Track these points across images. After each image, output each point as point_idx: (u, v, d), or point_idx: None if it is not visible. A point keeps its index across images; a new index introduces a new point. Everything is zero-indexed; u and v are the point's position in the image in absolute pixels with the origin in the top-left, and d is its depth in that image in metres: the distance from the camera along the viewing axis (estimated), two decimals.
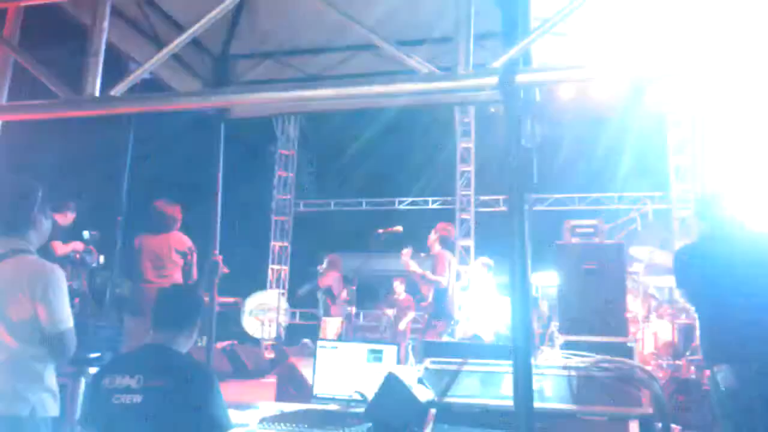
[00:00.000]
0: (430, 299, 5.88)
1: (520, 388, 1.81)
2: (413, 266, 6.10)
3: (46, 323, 2.45)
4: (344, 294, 9.13)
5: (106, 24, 2.30)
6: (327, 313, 8.32)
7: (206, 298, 4.19)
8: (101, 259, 5.82)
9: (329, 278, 8.41)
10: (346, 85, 2.46)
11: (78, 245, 5.70)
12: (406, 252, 6.22)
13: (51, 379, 2.55)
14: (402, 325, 9.59)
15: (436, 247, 5.98)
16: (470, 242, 14.50)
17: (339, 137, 18.76)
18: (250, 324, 14.51)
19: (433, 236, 6.11)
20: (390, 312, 10.06)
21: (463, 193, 14.95)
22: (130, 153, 4.51)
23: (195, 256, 5.34)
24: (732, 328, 2.70)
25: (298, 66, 4.46)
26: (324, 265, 8.78)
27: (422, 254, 6.29)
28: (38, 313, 2.44)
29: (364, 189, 16.51)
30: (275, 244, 15.51)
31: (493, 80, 1.96)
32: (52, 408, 2.53)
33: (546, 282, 12.77)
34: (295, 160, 15.96)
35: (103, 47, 2.27)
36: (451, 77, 2.07)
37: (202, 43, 4.36)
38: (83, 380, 3.32)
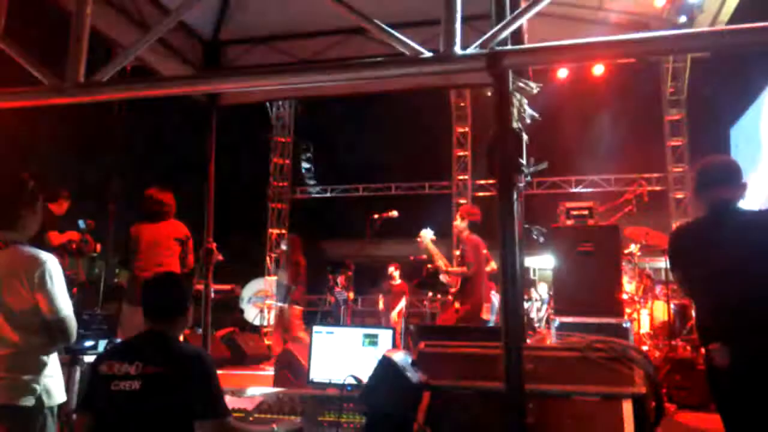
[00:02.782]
0: (458, 285, 5.75)
1: (512, 369, 1.82)
2: (437, 258, 5.89)
3: (46, 312, 2.48)
4: (342, 279, 9.10)
5: (89, 9, 2.27)
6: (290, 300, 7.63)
7: (201, 286, 4.19)
8: (98, 247, 5.80)
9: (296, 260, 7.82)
10: (336, 69, 2.43)
11: (74, 235, 5.68)
12: (426, 234, 5.91)
13: (55, 366, 2.59)
14: (394, 314, 9.54)
15: (465, 233, 5.80)
16: None
17: (335, 123, 18.73)
18: (249, 311, 14.56)
19: (460, 222, 5.91)
20: (382, 298, 9.99)
21: (460, 177, 14.95)
22: (124, 140, 4.48)
23: (191, 243, 5.33)
24: (728, 308, 2.69)
25: (289, 51, 4.41)
26: (286, 247, 8.05)
27: (417, 239, 6.20)
28: (38, 303, 2.47)
29: (361, 175, 16.50)
30: (272, 231, 15.50)
31: (482, 61, 1.94)
32: (58, 395, 2.58)
33: (542, 265, 12.83)
34: (290, 147, 15.91)
35: (87, 33, 2.24)
36: (439, 59, 2.05)
37: (192, 29, 4.32)
38: (78, 369, 3.34)
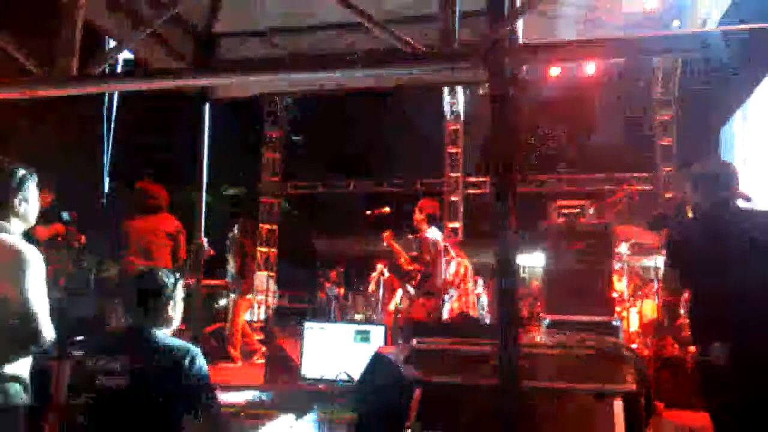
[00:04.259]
0: (418, 279, 5.79)
1: (506, 366, 1.83)
2: (399, 254, 6.00)
3: (14, 306, 2.26)
4: (333, 275, 9.10)
5: (83, 0, 2.24)
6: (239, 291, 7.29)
7: (192, 281, 4.17)
8: (82, 239, 5.73)
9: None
10: (332, 65, 2.42)
11: (59, 228, 5.62)
12: (387, 235, 6.13)
13: (19, 367, 2.36)
14: (391, 306, 9.58)
15: (424, 227, 5.84)
16: (459, 224, 14.54)
17: (328, 118, 18.68)
18: None
19: (418, 215, 5.91)
20: (373, 293, 10.01)
21: (452, 174, 14.96)
22: (111, 133, 4.43)
23: (184, 237, 5.29)
24: (727, 307, 2.71)
25: (284, 45, 4.38)
26: (236, 232, 7.56)
27: (409, 236, 6.24)
28: (7, 294, 2.26)
29: (353, 170, 16.46)
30: (263, 227, 15.43)
31: (478, 59, 1.94)
32: (20, 397, 2.34)
33: (532, 263, 12.89)
34: (283, 141, 15.83)
35: (80, 24, 2.21)
36: (436, 56, 2.04)
37: (185, 22, 4.28)
38: (68, 364, 3.30)
